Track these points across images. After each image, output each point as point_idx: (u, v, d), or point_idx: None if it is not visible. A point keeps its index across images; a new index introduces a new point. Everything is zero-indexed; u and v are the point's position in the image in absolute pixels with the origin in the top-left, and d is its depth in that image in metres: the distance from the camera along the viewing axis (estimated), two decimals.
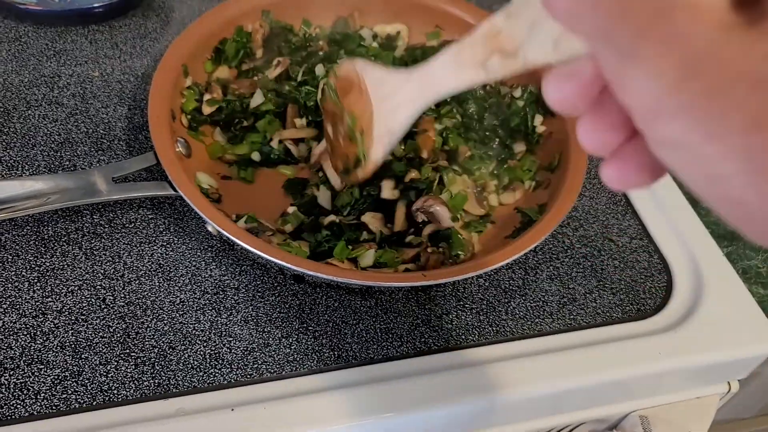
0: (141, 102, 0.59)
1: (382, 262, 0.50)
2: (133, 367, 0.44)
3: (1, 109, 0.56)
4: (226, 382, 0.44)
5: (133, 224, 0.51)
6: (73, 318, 0.46)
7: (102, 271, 0.48)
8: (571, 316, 0.52)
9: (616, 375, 0.49)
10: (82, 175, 0.49)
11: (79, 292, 0.47)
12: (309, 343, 0.47)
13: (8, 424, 0.41)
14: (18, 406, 0.42)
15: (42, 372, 0.43)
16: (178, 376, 0.44)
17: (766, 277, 0.79)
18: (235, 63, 0.60)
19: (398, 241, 0.52)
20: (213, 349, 0.46)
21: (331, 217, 0.52)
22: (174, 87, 0.54)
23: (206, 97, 0.57)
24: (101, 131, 0.56)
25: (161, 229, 0.51)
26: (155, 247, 0.50)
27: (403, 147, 0.54)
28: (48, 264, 0.48)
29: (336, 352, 0.47)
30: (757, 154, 0.16)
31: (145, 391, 0.43)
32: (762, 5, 0.17)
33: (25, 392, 0.42)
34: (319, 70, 0.58)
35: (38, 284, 0.47)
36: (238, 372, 0.45)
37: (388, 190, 0.53)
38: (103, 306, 0.46)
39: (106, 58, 0.62)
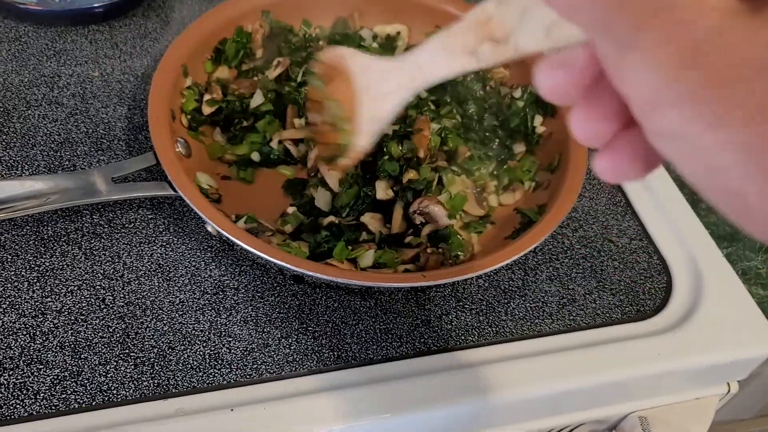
0: (141, 102, 0.59)
1: (381, 263, 0.50)
2: (133, 367, 0.44)
3: (1, 109, 0.56)
4: (225, 382, 0.44)
5: (132, 224, 0.51)
6: (72, 318, 0.46)
7: (101, 271, 0.48)
8: (571, 317, 0.52)
9: (615, 376, 0.49)
10: (82, 175, 0.49)
11: (78, 292, 0.47)
12: (308, 343, 0.47)
13: (7, 424, 0.41)
14: (17, 406, 0.42)
15: (41, 372, 0.43)
16: (178, 377, 0.44)
17: (766, 278, 0.79)
18: (235, 63, 0.60)
19: (398, 241, 0.52)
20: (212, 349, 0.46)
21: (331, 218, 0.52)
22: (174, 87, 0.54)
23: (206, 97, 0.57)
24: (101, 131, 0.56)
25: (161, 229, 0.51)
26: (155, 248, 0.50)
27: (401, 147, 0.54)
28: (47, 264, 0.48)
29: (335, 353, 0.47)
30: (757, 145, 0.16)
31: (145, 391, 0.43)
32: None
33: (24, 392, 0.42)
34: None
35: (38, 284, 0.47)
36: (237, 372, 0.45)
37: (381, 190, 0.53)
38: (102, 306, 0.46)
39: (106, 58, 0.62)
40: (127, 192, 0.49)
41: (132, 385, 0.43)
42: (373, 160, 0.54)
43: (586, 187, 0.60)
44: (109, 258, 0.49)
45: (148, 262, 0.49)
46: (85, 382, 0.43)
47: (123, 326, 0.46)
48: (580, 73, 0.21)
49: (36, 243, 0.49)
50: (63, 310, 0.46)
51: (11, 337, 0.44)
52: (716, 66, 0.16)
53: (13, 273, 0.47)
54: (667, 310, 0.53)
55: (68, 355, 0.44)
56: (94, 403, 0.42)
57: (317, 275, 0.44)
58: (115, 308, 0.46)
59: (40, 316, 0.45)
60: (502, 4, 0.25)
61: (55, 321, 0.45)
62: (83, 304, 0.46)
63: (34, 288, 0.47)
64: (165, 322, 0.46)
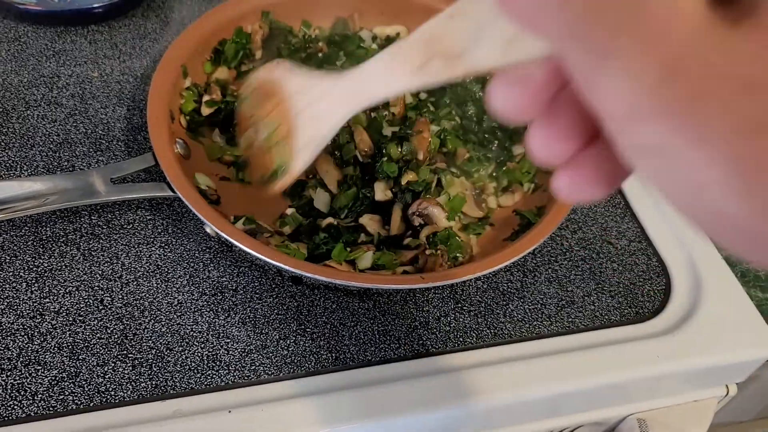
0: (140, 103, 0.59)
1: (380, 264, 0.50)
2: (131, 368, 0.44)
3: (0, 110, 0.56)
4: (223, 383, 0.44)
5: (131, 225, 0.51)
6: (70, 319, 0.45)
7: (100, 272, 0.48)
8: (570, 319, 0.52)
9: (614, 378, 0.49)
10: (81, 175, 0.48)
11: (77, 293, 0.47)
12: (307, 344, 0.47)
13: (5, 425, 0.41)
14: (15, 407, 0.41)
15: (39, 373, 0.43)
16: (176, 378, 0.44)
17: (765, 281, 0.79)
18: (235, 64, 0.60)
19: (396, 243, 0.52)
20: (210, 350, 0.46)
21: (329, 219, 0.52)
22: (173, 88, 0.54)
23: (205, 98, 0.57)
24: (100, 132, 0.56)
25: (159, 230, 0.51)
26: (153, 248, 0.50)
27: (400, 149, 0.54)
28: (46, 265, 0.48)
29: (333, 354, 0.47)
30: (741, 162, 0.15)
31: (143, 392, 0.43)
32: (740, 3, 0.16)
33: (22, 393, 0.42)
34: None
35: (36, 285, 0.47)
36: (235, 374, 0.45)
37: (380, 191, 0.53)
38: (100, 307, 0.46)
39: (105, 58, 0.62)
40: (125, 193, 0.49)
41: (130, 386, 0.43)
42: (372, 161, 0.54)
43: None
44: (108, 259, 0.49)
45: (146, 263, 0.49)
46: (83, 383, 0.43)
47: (121, 327, 0.46)
48: (538, 89, 0.20)
49: (34, 244, 0.49)
50: (61, 311, 0.46)
51: (9, 338, 0.44)
52: (696, 81, 0.15)
53: (11, 274, 0.47)
54: (666, 312, 0.53)
55: (66, 356, 0.44)
56: (92, 405, 0.42)
57: (316, 277, 0.44)
58: (114, 309, 0.46)
59: (38, 316, 0.45)
60: (456, 17, 0.24)
61: (54, 322, 0.45)
62: (81, 305, 0.46)
63: (33, 289, 0.47)
64: (163, 323, 0.46)
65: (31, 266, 0.48)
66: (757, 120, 0.15)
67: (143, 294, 0.47)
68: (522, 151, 0.59)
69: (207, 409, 0.43)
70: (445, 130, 0.58)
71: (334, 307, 0.49)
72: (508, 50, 0.21)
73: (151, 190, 0.49)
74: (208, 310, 0.47)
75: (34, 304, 0.46)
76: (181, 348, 0.45)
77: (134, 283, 0.48)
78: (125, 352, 0.45)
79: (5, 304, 0.46)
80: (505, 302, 0.52)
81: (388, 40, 0.64)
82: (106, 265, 0.48)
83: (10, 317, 0.45)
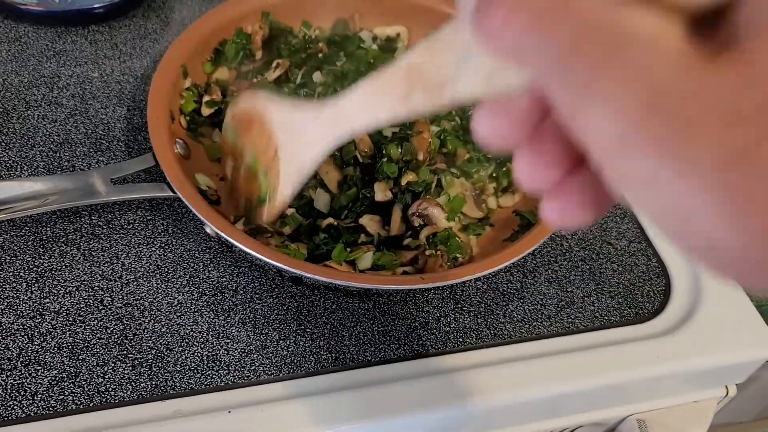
0: (140, 103, 0.59)
1: (380, 265, 0.50)
2: (131, 368, 0.44)
3: (1, 110, 0.56)
4: (223, 383, 0.44)
5: (131, 225, 0.51)
6: (70, 319, 0.46)
7: (100, 272, 0.48)
8: (569, 320, 0.52)
9: (613, 378, 0.49)
10: (81, 176, 0.49)
11: (77, 293, 0.47)
12: (306, 345, 0.47)
13: (5, 425, 0.41)
14: (15, 407, 0.42)
15: (39, 373, 0.43)
16: (176, 378, 0.44)
17: None
18: (235, 64, 0.60)
19: (396, 243, 0.52)
20: (210, 350, 0.46)
21: (329, 220, 0.52)
22: (173, 88, 0.54)
23: (205, 98, 0.57)
24: (100, 132, 0.56)
25: (159, 231, 0.51)
26: (153, 249, 0.50)
27: (400, 150, 0.54)
28: (46, 265, 0.48)
29: (333, 355, 0.47)
30: (731, 188, 0.15)
31: (143, 392, 0.43)
32: (719, 36, 0.17)
33: (22, 393, 0.42)
34: (317, 77, 0.58)
35: (36, 285, 0.47)
36: (235, 374, 0.45)
37: (380, 192, 0.53)
38: (100, 307, 0.46)
39: (105, 58, 0.62)
40: (125, 193, 0.49)
41: (130, 387, 0.43)
42: (372, 162, 0.54)
43: None
44: (108, 259, 0.49)
45: (146, 263, 0.49)
46: (83, 383, 0.43)
47: (121, 327, 0.46)
48: (521, 118, 0.20)
49: (35, 244, 0.49)
50: (61, 311, 0.46)
51: (9, 338, 0.44)
52: (681, 113, 0.16)
53: (11, 274, 0.47)
54: (665, 312, 0.53)
55: (66, 356, 0.44)
56: (91, 405, 0.42)
57: (316, 277, 0.44)
58: (114, 309, 0.46)
59: (38, 317, 0.45)
60: (437, 48, 0.24)
61: (53, 322, 0.45)
62: (81, 305, 0.46)
63: (33, 289, 0.47)
64: (163, 323, 0.46)
65: (31, 266, 0.48)
66: (741, 149, 0.15)
67: (143, 294, 0.48)
68: None
69: (207, 409, 0.43)
70: (445, 131, 0.58)
71: (334, 308, 0.49)
72: (491, 81, 0.21)
73: (151, 191, 0.49)
74: (208, 310, 0.48)
75: (34, 304, 0.46)
76: (181, 348, 0.45)
77: (134, 284, 0.48)
78: (125, 352, 0.45)
79: (5, 304, 0.46)
80: (504, 303, 0.52)
81: (389, 41, 0.64)
82: (106, 265, 0.49)
83: (10, 317, 0.45)
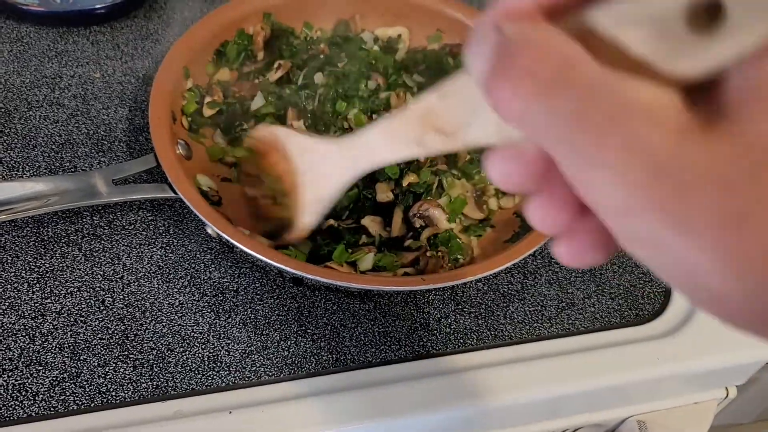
0: (142, 104, 0.59)
1: (381, 266, 0.50)
2: (132, 369, 0.44)
3: (3, 110, 0.56)
4: (224, 384, 0.44)
5: (132, 226, 0.51)
6: (72, 319, 0.46)
7: (101, 273, 0.48)
8: (570, 321, 0.52)
9: (614, 380, 0.49)
10: (83, 176, 0.49)
11: (78, 293, 0.47)
12: (307, 346, 0.47)
13: (6, 426, 0.41)
14: (16, 407, 0.42)
15: (40, 373, 0.43)
16: (177, 379, 0.44)
17: None
18: (237, 65, 0.60)
19: (397, 244, 0.52)
20: (211, 351, 0.46)
21: (331, 221, 0.52)
22: (175, 89, 0.54)
23: (207, 99, 0.57)
24: (102, 133, 0.56)
25: (161, 231, 0.51)
26: (155, 249, 0.50)
27: None
28: (47, 265, 0.48)
29: (334, 356, 0.47)
30: (729, 247, 0.16)
31: (144, 393, 0.43)
32: (715, 105, 0.17)
33: (23, 393, 0.42)
34: (319, 78, 0.58)
35: (37, 285, 0.47)
36: (236, 375, 0.45)
37: (382, 193, 0.53)
38: (102, 308, 0.46)
39: (107, 59, 0.62)
40: (127, 194, 0.49)
41: (131, 387, 0.43)
42: None
43: None
44: (109, 259, 0.49)
45: (147, 263, 0.49)
46: (84, 383, 0.43)
47: (122, 328, 0.46)
48: (531, 164, 0.21)
49: (36, 244, 0.49)
50: (62, 311, 0.46)
51: (11, 338, 0.44)
52: (681, 179, 0.17)
53: (13, 274, 0.47)
54: (666, 314, 0.54)
55: (67, 357, 0.44)
56: (92, 405, 0.42)
57: (316, 278, 0.44)
58: (115, 310, 0.47)
59: (39, 317, 0.45)
60: (448, 97, 0.25)
61: (55, 322, 0.45)
62: (83, 306, 0.46)
63: (34, 289, 0.47)
64: (164, 323, 0.46)
65: (32, 267, 0.48)
66: (737, 212, 0.16)
67: (144, 295, 0.48)
68: None
69: (208, 409, 0.43)
70: None
71: (335, 309, 0.49)
72: (501, 130, 0.22)
73: (152, 191, 0.49)
74: (209, 310, 0.48)
75: (36, 305, 0.46)
76: (182, 349, 0.45)
77: (135, 284, 0.48)
78: (126, 352, 0.45)
79: (7, 304, 0.46)
80: (505, 304, 0.52)
81: (390, 42, 0.64)
82: (107, 265, 0.49)
83: (11, 317, 0.45)
